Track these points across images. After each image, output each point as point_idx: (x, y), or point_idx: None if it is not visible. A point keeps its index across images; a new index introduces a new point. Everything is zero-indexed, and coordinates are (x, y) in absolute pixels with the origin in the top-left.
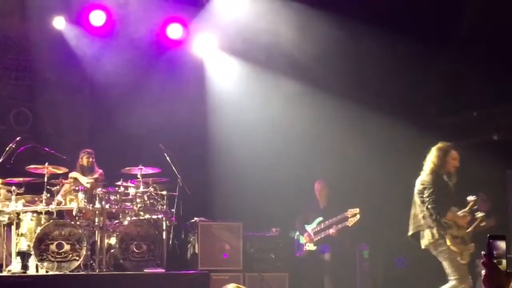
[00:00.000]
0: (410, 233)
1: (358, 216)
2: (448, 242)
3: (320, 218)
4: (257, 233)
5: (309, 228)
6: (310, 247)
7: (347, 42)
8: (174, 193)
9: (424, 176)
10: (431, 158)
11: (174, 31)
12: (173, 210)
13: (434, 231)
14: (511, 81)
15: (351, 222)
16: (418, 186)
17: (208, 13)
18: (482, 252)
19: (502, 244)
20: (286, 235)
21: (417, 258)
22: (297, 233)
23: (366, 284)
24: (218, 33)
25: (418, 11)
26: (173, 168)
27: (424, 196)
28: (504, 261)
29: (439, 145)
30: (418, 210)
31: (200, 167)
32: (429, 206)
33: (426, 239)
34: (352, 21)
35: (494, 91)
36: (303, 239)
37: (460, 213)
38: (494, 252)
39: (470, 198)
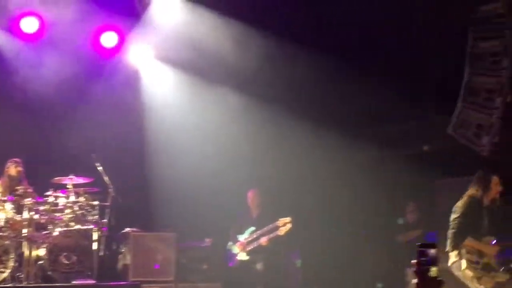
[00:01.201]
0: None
1: (289, 225)
2: (463, 266)
3: (253, 228)
4: (190, 243)
5: (242, 237)
6: (243, 257)
7: (281, 55)
8: (106, 203)
9: (459, 202)
10: (474, 187)
11: (109, 39)
12: (104, 220)
13: (455, 253)
14: (440, 94)
15: (282, 231)
16: (452, 210)
17: (144, 23)
18: (413, 261)
19: (432, 252)
20: (219, 245)
21: (351, 265)
22: (230, 243)
23: None
24: (154, 42)
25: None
26: (105, 178)
27: (451, 220)
28: (434, 268)
29: (480, 174)
30: None
31: (134, 177)
32: (450, 231)
33: (450, 260)
34: (287, 36)
35: (425, 104)
36: (236, 249)
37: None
38: (425, 260)
39: None
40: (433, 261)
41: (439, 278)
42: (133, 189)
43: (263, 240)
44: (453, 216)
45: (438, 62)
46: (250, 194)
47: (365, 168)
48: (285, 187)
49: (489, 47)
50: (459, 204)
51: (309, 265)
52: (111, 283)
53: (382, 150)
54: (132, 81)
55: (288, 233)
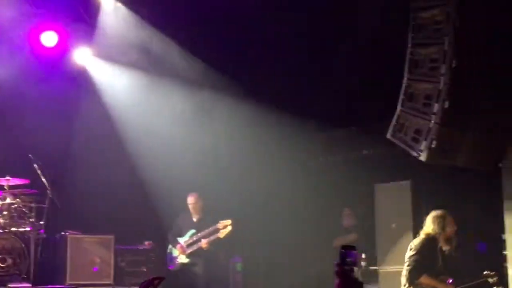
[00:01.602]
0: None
1: (229, 227)
2: None
3: (193, 231)
4: (129, 246)
5: (182, 240)
6: (183, 259)
7: (227, 59)
8: (43, 205)
9: (416, 240)
10: (430, 226)
11: (49, 39)
12: (42, 222)
13: None
14: (380, 99)
15: (222, 233)
16: (409, 247)
17: (89, 25)
18: (335, 262)
19: (354, 253)
20: (159, 248)
21: (291, 269)
22: (170, 246)
23: None
24: (99, 44)
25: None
26: (43, 179)
27: (407, 257)
28: (356, 269)
29: (436, 213)
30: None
31: (72, 178)
32: (406, 268)
33: None
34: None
35: (365, 109)
36: (176, 252)
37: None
38: (347, 261)
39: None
40: (355, 263)
41: (360, 280)
42: (71, 191)
43: (203, 243)
44: (409, 253)
45: (378, 67)
46: (189, 198)
47: (307, 172)
48: (227, 190)
49: (428, 53)
50: (416, 242)
51: (250, 268)
52: (48, 286)
53: (323, 154)
54: (77, 82)
55: (228, 235)
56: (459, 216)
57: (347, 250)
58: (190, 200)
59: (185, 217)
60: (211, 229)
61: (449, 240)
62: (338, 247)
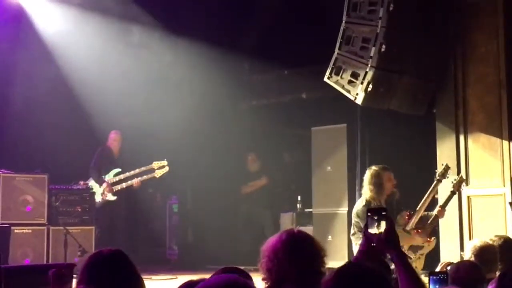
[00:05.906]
0: None
1: (166, 168)
2: None
3: (118, 170)
4: (64, 186)
5: (108, 178)
6: (109, 197)
7: None
8: None
9: (358, 207)
10: (367, 191)
11: None
12: None
13: None
14: (317, 42)
15: (158, 173)
16: (354, 212)
17: None
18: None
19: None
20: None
21: (227, 211)
22: (92, 181)
23: (174, 237)
24: None
25: None
26: None
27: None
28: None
29: (370, 172)
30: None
31: (5, 117)
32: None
33: None
34: None
35: (304, 52)
36: (101, 189)
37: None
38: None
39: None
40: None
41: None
42: (4, 130)
43: (136, 182)
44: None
45: (315, 10)
46: (115, 135)
47: (243, 116)
48: (159, 131)
49: None
50: (358, 211)
51: (186, 210)
52: None
53: (259, 98)
54: (13, 23)
55: (164, 176)
56: (395, 160)
57: (370, 215)
58: (116, 137)
59: (105, 152)
60: (143, 168)
61: (392, 194)
62: (246, 193)
